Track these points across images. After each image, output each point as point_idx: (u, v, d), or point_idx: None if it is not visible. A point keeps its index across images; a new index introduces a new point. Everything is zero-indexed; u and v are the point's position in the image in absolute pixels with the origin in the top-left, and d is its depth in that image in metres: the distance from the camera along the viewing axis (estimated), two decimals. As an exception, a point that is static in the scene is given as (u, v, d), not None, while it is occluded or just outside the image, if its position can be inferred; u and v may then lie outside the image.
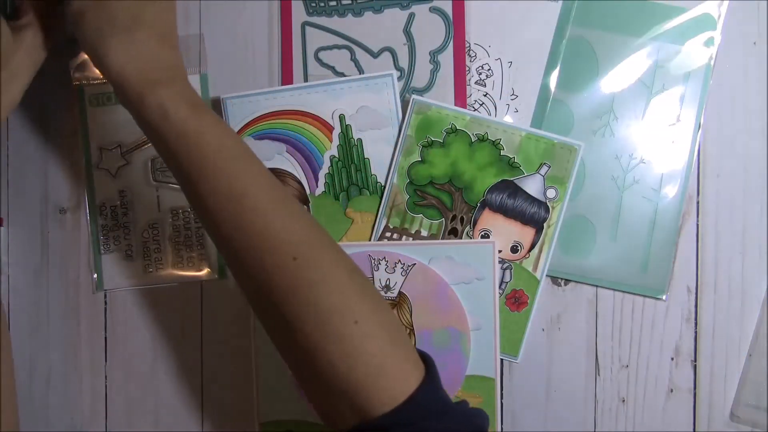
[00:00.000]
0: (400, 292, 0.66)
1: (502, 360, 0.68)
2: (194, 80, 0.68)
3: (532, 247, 0.67)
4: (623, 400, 0.68)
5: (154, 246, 0.69)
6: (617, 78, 0.68)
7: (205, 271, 0.69)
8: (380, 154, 0.68)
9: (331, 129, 0.68)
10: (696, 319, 0.68)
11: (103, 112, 0.69)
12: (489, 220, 0.67)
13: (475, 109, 0.69)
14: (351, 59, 0.69)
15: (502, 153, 0.67)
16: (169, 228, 0.69)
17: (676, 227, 0.68)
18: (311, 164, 0.68)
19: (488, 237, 0.67)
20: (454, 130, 0.67)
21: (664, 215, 0.68)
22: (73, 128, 0.70)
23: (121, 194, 0.69)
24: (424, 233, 0.68)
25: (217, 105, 0.69)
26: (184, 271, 0.69)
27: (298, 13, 0.69)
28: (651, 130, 0.68)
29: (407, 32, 0.69)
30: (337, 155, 0.68)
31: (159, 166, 0.68)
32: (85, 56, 0.67)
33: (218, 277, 0.69)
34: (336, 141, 0.68)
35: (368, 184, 0.68)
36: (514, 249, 0.67)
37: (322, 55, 0.69)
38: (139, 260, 0.69)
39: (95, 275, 0.69)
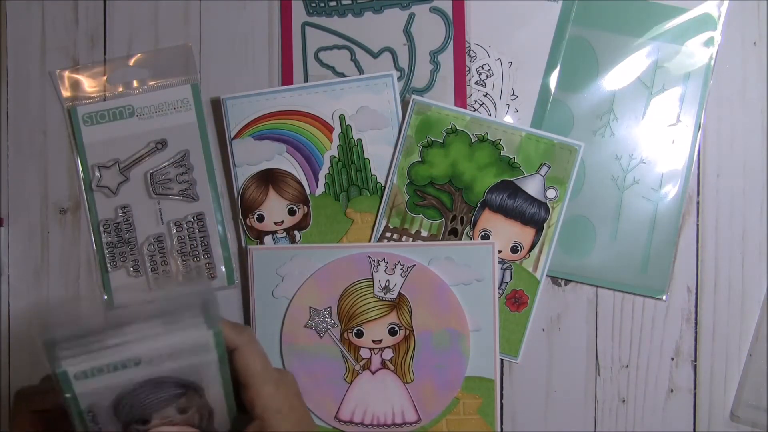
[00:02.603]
0: (399, 294, 0.66)
1: (502, 360, 0.68)
2: (185, 90, 0.69)
3: (532, 247, 0.67)
4: (623, 400, 0.68)
5: (160, 259, 0.69)
6: (617, 78, 0.68)
7: (213, 281, 0.69)
8: (380, 155, 0.68)
9: (331, 129, 0.68)
10: (696, 319, 0.68)
11: (98, 130, 0.69)
12: (489, 220, 0.67)
13: (475, 110, 0.69)
14: (351, 59, 0.69)
15: (502, 153, 0.67)
16: (173, 239, 0.69)
17: (676, 227, 0.68)
18: (311, 164, 0.68)
19: (488, 237, 0.67)
20: (454, 131, 0.67)
21: (664, 215, 0.68)
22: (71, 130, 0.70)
23: (123, 210, 0.69)
24: (424, 233, 0.68)
25: (217, 105, 0.69)
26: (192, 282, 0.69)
27: (298, 13, 0.69)
28: (651, 130, 0.68)
29: (407, 32, 0.69)
30: (337, 155, 0.68)
31: (158, 179, 0.68)
32: (72, 77, 0.69)
33: (227, 284, 0.69)
34: (336, 141, 0.68)
35: (368, 185, 0.68)
36: (514, 249, 0.67)
37: (322, 55, 0.69)
38: (147, 274, 0.69)
39: (105, 296, 0.69)
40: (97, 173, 0.69)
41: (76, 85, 0.69)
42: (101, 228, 0.69)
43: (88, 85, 0.69)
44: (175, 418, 0.54)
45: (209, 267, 0.69)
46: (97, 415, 0.53)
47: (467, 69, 0.69)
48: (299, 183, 0.68)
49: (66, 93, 0.69)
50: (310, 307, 0.67)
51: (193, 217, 0.69)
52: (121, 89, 0.69)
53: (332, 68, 0.69)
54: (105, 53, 0.70)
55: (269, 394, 0.54)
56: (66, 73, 0.69)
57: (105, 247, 0.69)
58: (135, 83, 0.69)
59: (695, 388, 0.68)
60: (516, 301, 0.67)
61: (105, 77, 0.69)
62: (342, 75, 0.69)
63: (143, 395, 0.53)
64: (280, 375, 0.56)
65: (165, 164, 0.69)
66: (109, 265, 0.69)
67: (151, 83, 0.69)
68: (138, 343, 0.52)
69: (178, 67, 0.69)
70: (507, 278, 0.67)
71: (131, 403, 0.53)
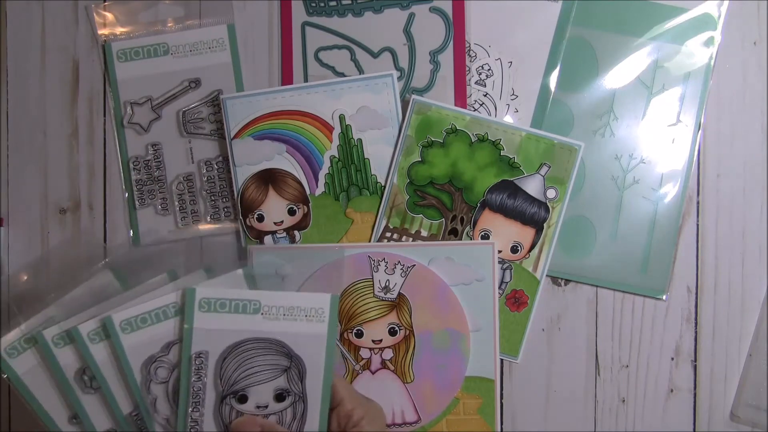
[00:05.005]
0: (399, 294, 0.66)
1: (502, 360, 0.68)
2: (221, 30, 0.69)
3: (532, 247, 0.67)
4: (623, 400, 0.68)
5: (189, 198, 0.69)
6: (617, 78, 0.68)
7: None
8: (380, 154, 0.68)
9: (331, 129, 0.68)
10: (696, 319, 0.68)
11: (131, 66, 0.69)
12: (489, 220, 0.67)
13: (475, 109, 0.69)
14: (351, 59, 0.69)
15: (502, 153, 0.67)
16: (203, 179, 0.69)
17: (676, 227, 0.68)
18: (311, 164, 0.68)
19: (488, 237, 0.67)
20: (454, 130, 0.67)
21: (664, 215, 0.68)
22: (74, 126, 0.70)
23: (154, 147, 0.69)
24: (424, 233, 0.68)
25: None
26: (220, 223, 0.69)
27: (298, 13, 0.69)
28: (651, 130, 0.68)
29: (407, 32, 0.69)
30: (337, 155, 0.68)
31: (190, 118, 0.68)
32: (107, 13, 0.69)
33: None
34: (336, 141, 0.68)
35: (368, 184, 0.68)
36: (514, 249, 0.67)
37: (322, 55, 0.69)
38: (175, 213, 0.69)
39: (131, 231, 0.69)
40: (129, 110, 0.69)
41: (111, 21, 0.69)
42: (131, 165, 0.69)
43: (124, 21, 0.69)
44: (271, 408, 0.55)
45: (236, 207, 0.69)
46: (203, 365, 0.54)
47: (467, 69, 0.69)
48: (299, 183, 0.68)
49: (101, 28, 0.69)
50: (310, 307, 0.67)
51: (223, 158, 0.69)
52: (156, 27, 0.69)
53: (332, 68, 0.69)
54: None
55: (359, 413, 0.57)
56: (101, 9, 0.69)
57: (134, 185, 0.69)
58: (170, 22, 0.69)
59: (695, 388, 0.68)
60: (516, 301, 0.67)
61: (140, 14, 0.69)
62: (342, 75, 0.69)
63: (251, 354, 0.54)
64: (368, 401, 0.60)
65: (197, 103, 0.69)
66: (137, 203, 0.69)
67: (187, 22, 0.69)
68: (261, 291, 0.56)
69: (215, 7, 0.69)
70: (507, 278, 0.67)
71: (237, 363, 0.54)
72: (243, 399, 0.56)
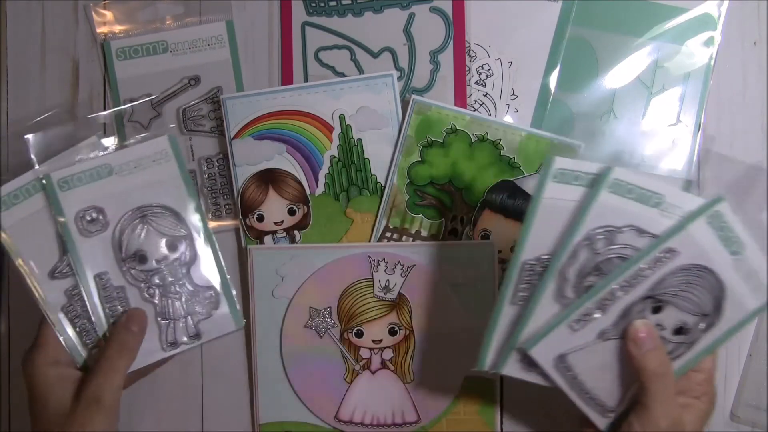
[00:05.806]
0: (399, 294, 0.66)
1: (502, 360, 0.68)
2: (219, 27, 0.69)
3: (532, 247, 0.67)
4: (623, 400, 0.68)
5: None
6: (617, 78, 0.68)
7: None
8: (380, 154, 0.68)
9: (331, 129, 0.68)
10: (696, 319, 0.68)
11: (130, 65, 0.69)
12: (489, 220, 0.67)
13: (475, 109, 0.69)
14: (351, 59, 0.69)
15: (502, 153, 0.67)
16: (204, 176, 0.69)
17: (676, 227, 0.68)
18: (311, 164, 0.68)
19: (488, 237, 0.67)
20: (454, 130, 0.67)
21: (664, 215, 0.68)
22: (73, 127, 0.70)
23: None
24: (424, 233, 0.68)
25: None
26: (222, 221, 0.69)
27: (298, 13, 0.69)
28: (651, 130, 0.68)
29: (407, 32, 0.69)
30: (337, 155, 0.68)
31: (190, 115, 0.68)
32: (106, 12, 0.69)
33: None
34: (336, 141, 0.68)
35: (368, 185, 0.68)
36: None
37: (322, 55, 0.69)
38: None
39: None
40: (129, 108, 0.69)
41: (110, 20, 0.69)
42: None
43: (123, 19, 0.69)
44: (648, 318, 0.52)
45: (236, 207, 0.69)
46: (664, 259, 0.50)
47: (467, 69, 0.69)
48: (299, 183, 0.68)
49: (100, 27, 0.69)
50: (310, 307, 0.67)
51: (224, 155, 0.69)
52: (155, 25, 0.69)
53: (332, 68, 0.69)
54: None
55: (702, 389, 0.55)
56: (100, 8, 0.69)
57: None
58: (169, 20, 0.69)
59: (695, 388, 0.68)
60: (516, 301, 0.67)
61: (139, 12, 0.69)
62: (342, 75, 0.69)
63: (682, 280, 0.51)
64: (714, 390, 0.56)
65: (197, 101, 0.69)
66: None
67: (186, 20, 0.69)
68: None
69: (214, 7, 0.69)
70: (507, 278, 0.67)
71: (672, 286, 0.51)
72: (657, 310, 0.52)
